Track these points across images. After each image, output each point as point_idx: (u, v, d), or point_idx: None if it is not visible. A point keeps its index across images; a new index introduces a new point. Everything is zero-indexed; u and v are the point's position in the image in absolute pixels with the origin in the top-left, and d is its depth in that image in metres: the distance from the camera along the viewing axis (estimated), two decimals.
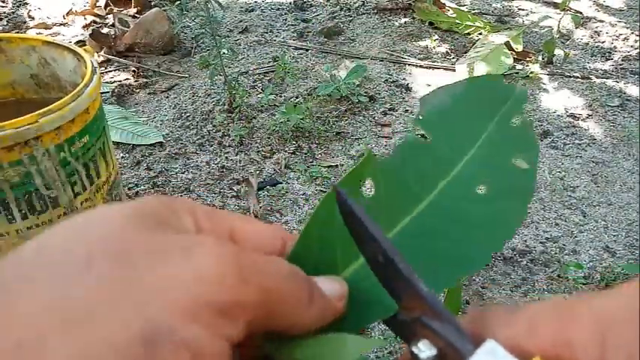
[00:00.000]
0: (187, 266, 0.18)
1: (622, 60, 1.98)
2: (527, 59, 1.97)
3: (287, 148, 1.55)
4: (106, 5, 2.33)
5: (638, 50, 2.03)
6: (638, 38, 2.10)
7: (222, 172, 1.48)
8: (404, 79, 1.89)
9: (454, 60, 1.99)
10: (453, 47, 2.07)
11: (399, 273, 0.22)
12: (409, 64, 1.97)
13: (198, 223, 0.22)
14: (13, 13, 2.35)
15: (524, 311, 0.20)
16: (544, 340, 0.19)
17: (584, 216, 1.34)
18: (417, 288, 0.22)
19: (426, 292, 0.21)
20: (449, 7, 2.27)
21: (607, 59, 1.99)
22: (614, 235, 1.28)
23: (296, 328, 0.22)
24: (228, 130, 1.62)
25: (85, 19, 2.28)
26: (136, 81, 1.88)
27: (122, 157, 1.53)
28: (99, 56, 1.99)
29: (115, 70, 1.96)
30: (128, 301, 0.17)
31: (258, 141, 1.58)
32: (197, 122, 1.66)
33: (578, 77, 1.88)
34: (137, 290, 0.17)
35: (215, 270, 0.18)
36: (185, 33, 2.16)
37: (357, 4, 2.38)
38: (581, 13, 2.30)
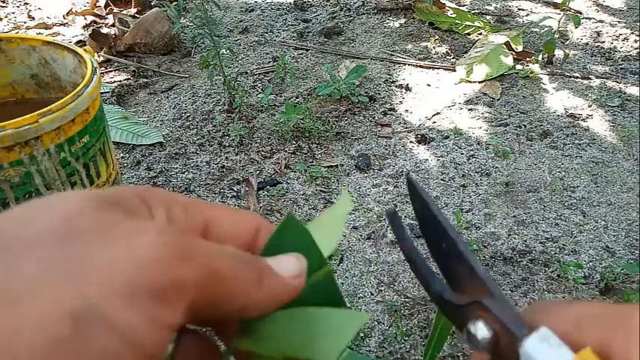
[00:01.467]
0: (129, 249, 0.18)
1: (622, 60, 1.98)
2: (527, 59, 1.97)
3: (287, 148, 1.55)
4: (106, 5, 2.33)
5: (638, 50, 2.03)
6: (638, 38, 2.10)
7: (222, 172, 1.48)
8: (404, 79, 1.89)
9: (454, 60, 1.99)
10: (452, 47, 2.07)
11: (461, 256, 0.23)
12: (409, 64, 1.97)
13: (171, 215, 0.21)
14: (13, 13, 2.35)
15: (574, 306, 0.21)
16: (589, 339, 0.19)
17: (584, 216, 1.34)
18: (478, 271, 0.22)
19: (486, 276, 0.22)
20: (449, 7, 2.27)
21: (607, 59, 1.99)
22: (614, 235, 1.28)
23: (247, 311, 0.21)
24: (228, 130, 1.62)
25: (85, 19, 2.28)
26: (136, 81, 1.88)
27: (122, 157, 1.52)
28: (99, 56, 1.99)
29: (115, 70, 1.96)
30: (65, 280, 0.17)
31: (258, 141, 1.58)
32: (197, 122, 1.66)
33: (578, 77, 1.88)
34: (76, 270, 0.17)
35: (154, 252, 0.18)
36: (185, 33, 2.16)
37: (357, 4, 2.38)
38: (581, 13, 2.30)
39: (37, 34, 2.15)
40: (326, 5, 2.41)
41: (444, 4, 2.29)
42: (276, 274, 0.22)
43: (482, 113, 1.71)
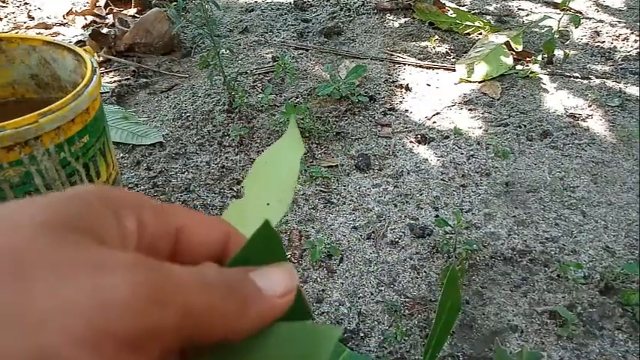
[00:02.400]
0: (93, 290, 0.16)
1: (622, 60, 1.98)
2: (527, 59, 1.97)
3: None
4: (106, 5, 2.33)
5: (638, 50, 2.03)
6: (638, 38, 2.10)
7: (222, 172, 1.48)
8: (404, 79, 1.89)
9: (454, 60, 1.99)
10: (452, 47, 2.07)
11: None
12: (409, 64, 1.97)
13: (142, 221, 0.20)
14: (13, 13, 2.35)
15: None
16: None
17: (584, 216, 1.34)
18: None
19: None
20: (449, 7, 2.27)
21: (607, 59, 1.99)
22: (614, 235, 1.28)
23: (229, 338, 0.19)
24: (228, 130, 1.62)
25: (85, 19, 2.28)
26: (135, 81, 1.88)
27: (122, 157, 1.52)
28: (99, 56, 1.99)
29: (115, 70, 1.96)
30: (17, 325, 0.15)
31: (258, 141, 1.58)
32: (197, 122, 1.66)
33: (578, 77, 1.88)
34: (30, 313, 0.15)
35: (123, 293, 0.16)
36: (185, 33, 2.16)
37: (357, 4, 2.38)
38: (581, 13, 2.30)
39: (37, 34, 2.15)
40: (326, 5, 2.41)
41: (444, 4, 2.29)
42: (262, 297, 0.20)
43: (482, 113, 1.71)
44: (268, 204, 0.28)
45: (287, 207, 0.28)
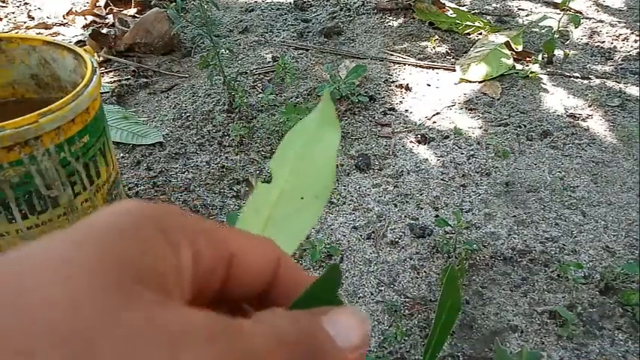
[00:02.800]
0: None
1: (622, 60, 1.98)
2: (527, 59, 1.97)
3: None
4: (106, 5, 2.33)
5: (638, 50, 2.03)
6: (638, 38, 2.10)
7: (222, 172, 1.48)
8: (404, 79, 1.89)
9: (454, 60, 1.99)
10: (452, 47, 2.07)
11: None
12: (409, 64, 1.97)
13: (198, 250, 0.18)
14: (13, 13, 2.35)
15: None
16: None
17: (584, 216, 1.34)
18: None
19: None
20: (449, 7, 2.27)
21: (607, 59, 1.99)
22: (614, 235, 1.28)
23: None
24: (228, 130, 1.62)
25: (85, 19, 2.28)
26: (136, 81, 1.88)
27: (122, 157, 1.52)
28: (99, 56, 1.99)
29: (115, 70, 1.96)
30: None
31: (258, 141, 1.58)
32: (197, 122, 1.66)
33: (578, 77, 1.88)
34: None
35: None
36: (185, 33, 2.16)
37: (357, 4, 2.38)
38: (581, 13, 2.30)
39: (37, 34, 2.15)
40: (326, 5, 2.41)
41: (443, 4, 2.29)
42: (336, 349, 0.18)
43: (483, 113, 1.71)
44: (302, 198, 0.25)
45: (324, 203, 0.25)
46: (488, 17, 2.29)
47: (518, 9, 2.38)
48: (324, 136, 0.26)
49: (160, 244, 0.17)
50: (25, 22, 2.26)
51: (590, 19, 2.26)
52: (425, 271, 1.19)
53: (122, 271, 0.15)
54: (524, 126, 1.65)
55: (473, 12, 2.30)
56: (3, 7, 2.39)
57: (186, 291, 0.18)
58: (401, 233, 1.29)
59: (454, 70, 1.92)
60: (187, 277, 0.18)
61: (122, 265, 0.15)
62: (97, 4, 2.34)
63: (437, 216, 1.33)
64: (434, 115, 1.71)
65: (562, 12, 1.93)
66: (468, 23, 2.14)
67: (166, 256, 0.17)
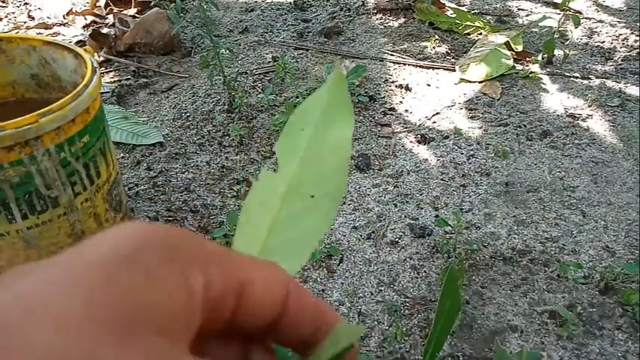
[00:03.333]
0: None
1: (622, 60, 1.98)
2: (527, 59, 1.97)
3: None
4: (106, 5, 2.33)
5: (638, 50, 2.03)
6: (638, 38, 2.10)
7: (222, 172, 1.48)
8: (404, 79, 1.89)
9: (454, 60, 1.99)
10: (452, 47, 2.07)
11: None
12: (409, 64, 1.97)
13: (209, 280, 0.18)
14: (13, 13, 2.35)
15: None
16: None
17: (584, 216, 1.34)
18: None
19: None
20: (449, 7, 2.27)
21: (607, 59, 1.99)
22: (614, 235, 1.28)
23: None
24: (228, 130, 1.62)
25: (85, 19, 2.28)
26: (136, 81, 1.88)
27: (122, 157, 1.53)
28: (99, 56, 1.99)
29: (115, 70, 1.96)
30: None
31: (258, 141, 1.58)
32: (197, 122, 1.66)
33: (578, 77, 1.88)
34: None
35: None
36: (185, 33, 2.16)
37: (357, 4, 2.38)
38: (580, 13, 2.30)
39: (37, 34, 2.15)
40: (326, 5, 2.41)
41: (443, 4, 2.29)
42: None
43: (482, 113, 1.71)
44: (313, 196, 0.23)
45: (338, 204, 0.23)
46: (488, 17, 2.29)
47: (518, 9, 2.38)
48: (337, 124, 0.24)
49: (167, 276, 0.16)
50: (25, 22, 2.26)
51: (590, 19, 2.26)
52: (425, 271, 1.19)
53: (118, 313, 0.14)
54: (524, 126, 1.65)
55: (473, 12, 2.30)
56: (3, 7, 2.39)
57: (194, 329, 0.17)
58: (401, 233, 1.29)
59: (454, 70, 1.93)
60: (197, 313, 0.17)
61: (119, 305, 0.14)
62: (97, 4, 2.34)
63: (437, 216, 1.33)
64: (434, 115, 1.71)
65: (562, 12, 1.93)
66: (468, 23, 2.14)
67: (174, 291, 0.16)
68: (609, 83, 1.84)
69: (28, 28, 2.20)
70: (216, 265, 0.18)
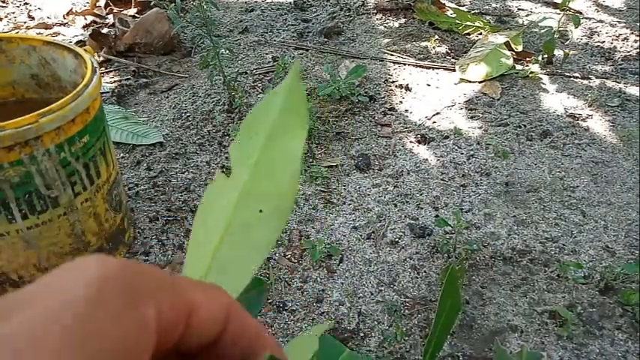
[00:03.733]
0: None
1: (622, 60, 1.98)
2: (527, 59, 1.97)
3: None
4: (106, 5, 2.33)
5: (638, 50, 2.03)
6: (638, 38, 2.10)
7: (222, 172, 1.48)
8: (404, 79, 1.89)
9: (454, 60, 1.99)
10: (452, 47, 2.07)
11: None
12: (409, 64, 1.97)
13: (160, 310, 0.19)
14: (13, 13, 2.35)
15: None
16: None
17: (584, 216, 1.34)
18: None
19: None
20: (449, 7, 2.27)
21: (607, 59, 1.99)
22: (614, 235, 1.28)
23: None
24: (228, 130, 1.62)
25: (85, 19, 2.28)
26: (136, 81, 1.88)
27: (122, 157, 1.53)
28: (99, 56, 1.99)
29: (115, 70, 1.96)
30: None
31: None
32: (197, 122, 1.66)
33: (578, 77, 1.88)
34: None
35: None
36: (185, 33, 2.16)
37: (357, 4, 2.38)
38: (580, 13, 2.30)
39: (37, 34, 2.15)
40: (326, 5, 2.41)
41: (443, 4, 2.29)
42: None
43: (482, 113, 1.71)
44: (261, 211, 0.23)
45: (285, 219, 0.23)
46: (488, 17, 2.29)
47: (518, 9, 2.38)
48: (288, 135, 0.23)
49: (125, 314, 0.18)
50: (25, 22, 2.26)
51: (590, 19, 2.26)
52: (425, 271, 1.19)
53: (87, 356, 0.16)
54: (524, 126, 1.65)
55: (473, 12, 2.30)
56: (3, 7, 2.39)
57: (148, 357, 0.18)
58: (401, 233, 1.29)
59: (454, 70, 1.93)
60: (151, 341, 0.19)
61: (89, 347, 0.16)
62: (97, 4, 2.34)
63: (437, 216, 1.33)
64: (434, 115, 1.71)
65: (562, 12, 1.93)
66: (468, 23, 2.14)
67: (130, 325, 0.18)
68: (609, 83, 1.84)
69: (28, 28, 2.20)
70: (167, 295, 0.20)
